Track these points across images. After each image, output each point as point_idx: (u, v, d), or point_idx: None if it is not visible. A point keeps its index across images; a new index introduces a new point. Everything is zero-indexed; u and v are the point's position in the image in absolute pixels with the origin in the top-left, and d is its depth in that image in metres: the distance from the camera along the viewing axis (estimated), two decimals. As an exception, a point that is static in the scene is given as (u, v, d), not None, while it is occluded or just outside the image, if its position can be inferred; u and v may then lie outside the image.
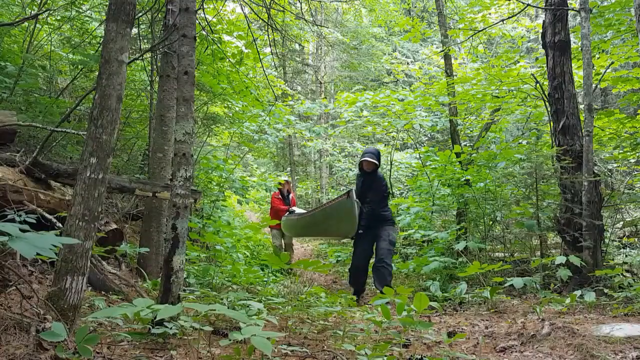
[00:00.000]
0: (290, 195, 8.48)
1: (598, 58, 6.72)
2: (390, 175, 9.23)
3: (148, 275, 4.57)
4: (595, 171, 4.99)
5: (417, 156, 9.12)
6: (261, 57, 6.60)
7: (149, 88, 6.78)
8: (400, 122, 8.45)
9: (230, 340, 1.90)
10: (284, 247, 8.34)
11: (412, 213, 7.15)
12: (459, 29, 8.41)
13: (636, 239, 6.45)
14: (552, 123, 5.51)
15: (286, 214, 7.97)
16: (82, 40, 6.56)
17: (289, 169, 17.49)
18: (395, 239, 5.63)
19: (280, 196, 8.35)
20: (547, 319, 3.37)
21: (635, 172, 7.35)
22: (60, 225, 3.49)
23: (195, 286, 4.57)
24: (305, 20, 9.46)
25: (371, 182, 5.42)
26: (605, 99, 10.54)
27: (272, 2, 5.82)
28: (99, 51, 4.87)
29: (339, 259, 9.21)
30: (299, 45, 17.86)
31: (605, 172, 7.34)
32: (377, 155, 5.47)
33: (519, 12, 8.09)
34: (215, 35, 6.64)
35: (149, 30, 6.38)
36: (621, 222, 6.68)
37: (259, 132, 8.75)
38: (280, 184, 8.53)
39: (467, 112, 8.89)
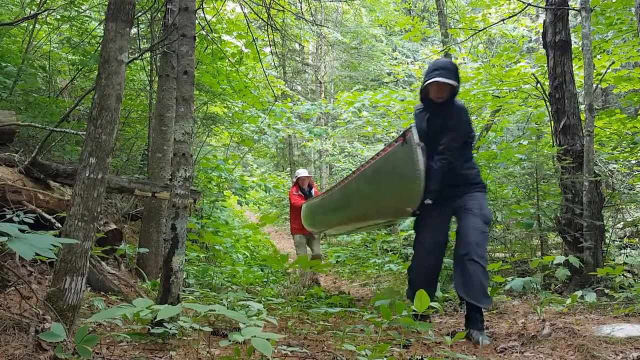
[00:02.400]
0: (313, 191, 6.62)
1: (599, 58, 6.72)
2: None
3: (147, 276, 4.57)
4: (596, 171, 4.98)
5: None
6: (261, 56, 6.59)
7: (148, 88, 6.78)
8: (400, 122, 8.44)
9: (230, 341, 1.89)
10: (311, 258, 6.33)
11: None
12: (460, 28, 8.40)
13: (637, 239, 6.44)
14: (552, 123, 5.50)
15: (306, 202, 6.08)
16: (82, 40, 6.56)
17: (288, 169, 17.48)
18: (491, 215, 3.57)
19: (299, 192, 6.54)
20: (548, 320, 3.36)
21: (636, 173, 7.34)
22: (60, 225, 3.48)
23: (194, 286, 4.57)
24: (305, 20, 9.46)
25: (445, 119, 3.31)
26: (606, 99, 10.54)
27: (272, 1, 5.81)
28: (98, 51, 4.87)
29: (339, 259, 9.20)
30: (299, 45, 17.85)
31: (606, 172, 7.33)
32: (453, 71, 3.28)
33: (520, 12, 8.08)
34: (215, 35, 6.64)
35: (149, 29, 6.37)
36: (622, 223, 6.68)
37: (259, 133, 8.74)
38: (300, 179, 6.63)
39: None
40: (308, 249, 6.53)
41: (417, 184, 3.21)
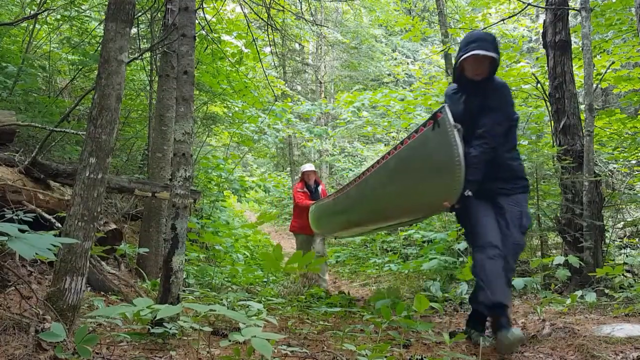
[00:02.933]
0: (320, 188, 6.15)
1: (599, 58, 6.72)
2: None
3: (147, 276, 4.57)
4: (596, 171, 4.98)
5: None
6: (261, 56, 6.60)
7: (148, 88, 6.78)
8: (400, 122, 8.44)
9: (230, 341, 1.89)
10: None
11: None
12: (460, 28, 8.41)
13: (637, 239, 6.44)
14: (552, 123, 5.50)
15: (315, 203, 5.59)
16: (82, 40, 6.56)
17: (288, 168, 17.48)
18: (530, 222, 3.27)
19: (305, 189, 6.04)
20: (548, 320, 3.36)
21: (636, 173, 7.34)
22: (60, 225, 3.48)
23: (194, 286, 4.57)
24: (305, 20, 9.46)
25: (485, 99, 2.88)
26: (606, 99, 10.54)
27: (272, 1, 5.81)
28: (98, 51, 4.87)
29: (339, 259, 9.21)
30: (299, 44, 17.85)
31: (606, 172, 7.33)
32: (492, 42, 2.85)
33: (520, 12, 8.08)
34: (215, 35, 6.64)
35: (149, 29, 6.37)
36: (622, 223, 6.67)
37: (259, 133, 8.74)
38: (305, 173, 6.14)
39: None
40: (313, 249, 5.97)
41: (457, 172, 2.73)
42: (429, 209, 3.46)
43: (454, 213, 3.19)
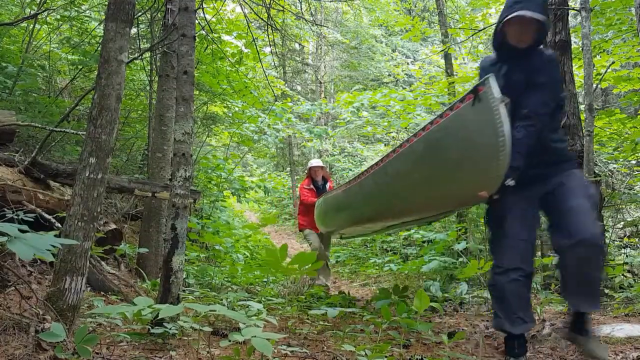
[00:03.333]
0: (328, 185, 5.82)
1: (599, 58, 6.72)
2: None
3: (147, 276, 4.57)
4: (596, 171, 4.98)
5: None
6: (261, 56, 6.60)
7: (148, 88, 6.78)
8: (400, 122, 8.44)
9: (230, 340, 1.89)
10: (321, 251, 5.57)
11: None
12: (460, 28, 8.41)
13: (637, 239, 6.44)
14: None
15: (322, 195, 5.14)
16: (82, 40, 6.56)
17: (288, 169, 17.48)
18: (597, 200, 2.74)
19: (311, 185, 5.75)
20: (548, 320, 3.36)
21: (636, 173, 7.34)
22: (59, 225, 3.48)
23: (194, 286, 4.57)
24: (305, 20, 9.46)
25: (531, 74, 2.48)
26: (606, 99, 10.54)
27: (272, 1, 5.81)
28: (98, 51, 4.87)
29: (339, 259, 9.21)
30: (299, 45, 17.86)
31: (606, 172, 7.33)
32: (541, 5, 2.44)
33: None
34: (215, 35, 6.64)
35: (149, 29, 6.37)
36: (622, 223, 6.67)
37: (259, 133, 8.75)
38: (312, 169, 5.77)
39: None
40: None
41: (501, 155, 2.26)
42: (459, 201, 3.03)
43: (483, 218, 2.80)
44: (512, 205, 2.46)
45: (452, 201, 3.04)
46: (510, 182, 2.36)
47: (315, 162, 5.95)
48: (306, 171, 5.95)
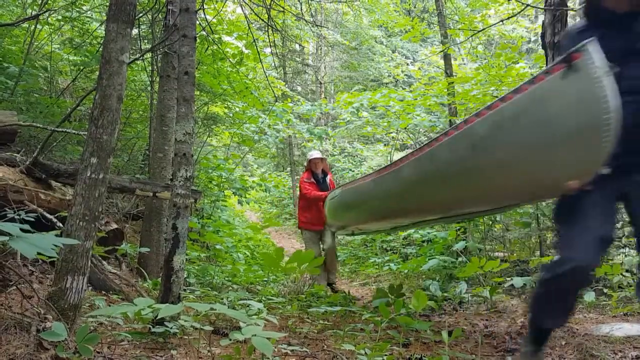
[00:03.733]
0: (328, 178, 5.60)
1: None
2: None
3: (148, 275, 4.59)
4: (595, 171, 4.98)
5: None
6: (261, 57, 6.61)
7: (149, 88, 6.80)
8: (400, 122, 8.45)
9: (230, 339, 1.90)
10: (324, 253, 5.47)
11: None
12: (459, 29, 8.42)
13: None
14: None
15: (341, 186, 4.80)
16: (83, 40, 6.58)
17: (289, 169, 17.49)
18: None
19: (312, 179, 5.48)
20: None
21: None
22: (61, 225, 3.50)
23: (195, 286, 4.59)
24: (306, 21, 9.47)
25: (630, 43, 2.07)
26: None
27: (272, 2, 5.82)
28: (100, 51, 4.89)
29: (339, 258, 9.20)
30: (299, 45, 17.87)
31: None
32: None
33: (519, 12, 8.09)
34: (216, 36, 6.66)
35: (150, 30, 6.39)
36: (621, 222, 6.67)
37: (259, 133, 8.76)
38: (312, 161, 5.52)
39: (467, 112, 8.91)
40: (322, 246, 5.53)
41: (605, 136, 1.84)
42: (535, 193, 2.53)
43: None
44: (592, 196, 2.07)
45: (519, 194, 2.55)
46: (606, 170, 1.98)
47: (315, 153, 5.69)
48: (305, 164, 5.66)
